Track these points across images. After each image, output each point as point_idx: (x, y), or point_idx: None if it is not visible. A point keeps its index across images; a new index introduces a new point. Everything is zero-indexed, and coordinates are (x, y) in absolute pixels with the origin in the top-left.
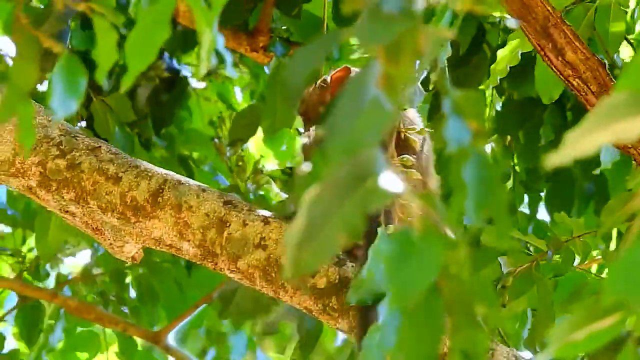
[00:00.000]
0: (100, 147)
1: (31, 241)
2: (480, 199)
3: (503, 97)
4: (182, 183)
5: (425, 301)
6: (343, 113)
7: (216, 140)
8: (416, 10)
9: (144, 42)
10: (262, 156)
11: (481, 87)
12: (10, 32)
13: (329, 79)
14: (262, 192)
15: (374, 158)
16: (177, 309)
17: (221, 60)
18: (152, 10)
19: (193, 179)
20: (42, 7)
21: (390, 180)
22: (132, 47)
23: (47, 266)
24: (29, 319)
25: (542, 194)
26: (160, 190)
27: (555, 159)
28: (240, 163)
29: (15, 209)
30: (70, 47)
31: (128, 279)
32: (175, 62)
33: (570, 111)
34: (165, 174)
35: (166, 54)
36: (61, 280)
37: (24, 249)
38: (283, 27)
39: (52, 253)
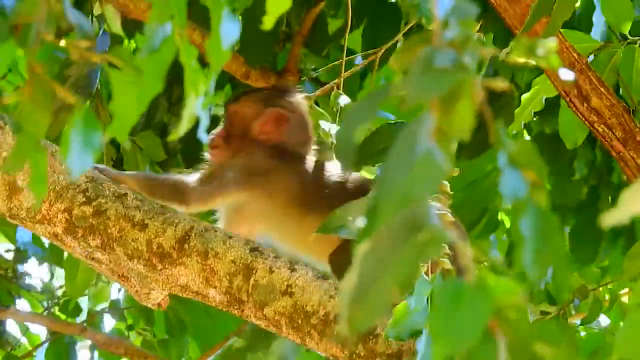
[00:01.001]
0: (126, 194)
1: (59, 274)
2: (539, 252)
3: (533, 133)
4: (208, 230)
5: (481, 346)
6: (396, 165)
7: None
8: (469, 63)
9: (138, 93)
10: None
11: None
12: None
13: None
14: None
15: (426, 210)
16: (209, 339)
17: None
18: (149, 62)
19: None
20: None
21: (442, 232)
22: (122, 98)
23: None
24: (59, 354)
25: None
26: (187, 237)
27: (611, 218)
28: None
29: (41, 246)
30: (100, 88)
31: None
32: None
33: (599, 150)
34: (191, 220)
35: None
36: (91, 314)
37: (54, 283)
38: (312, 67)
39: (82, 292)
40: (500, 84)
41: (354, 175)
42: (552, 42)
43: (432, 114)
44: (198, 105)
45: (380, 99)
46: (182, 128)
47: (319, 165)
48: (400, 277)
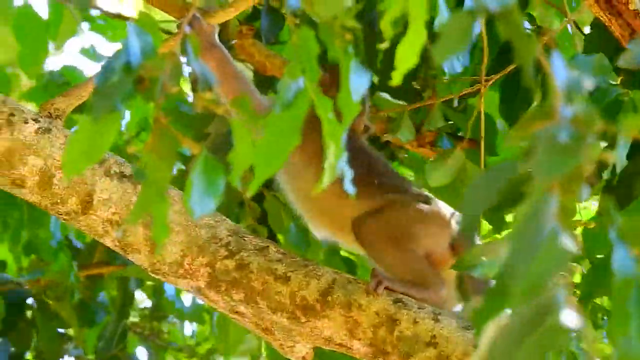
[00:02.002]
0: (268, 247)
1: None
2: None
3: None
4: (351, 282)
5: None
6: (521, 249)
7: None
8: (588, 140)
9: (274, 148)
10: None
11: None
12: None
13: None
14: None
15: (553, 296)
16: None
17: None
18: (284, 117)
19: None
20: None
21: (570, 318)
22: (261, 153)
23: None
24: None
25: None
26: (330, 290)
27: None
28: None
29: (182, 303)
30: None
31: None
32: None
33: None
34: (334, 272)
35: None
36: None
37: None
38: (449, 122)
39: (235, 350)
40: (612, 157)
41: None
42: None
43: (556, 193)
44: (340, 156)
45: (507, 173)
46: (325, 180)
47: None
48: None
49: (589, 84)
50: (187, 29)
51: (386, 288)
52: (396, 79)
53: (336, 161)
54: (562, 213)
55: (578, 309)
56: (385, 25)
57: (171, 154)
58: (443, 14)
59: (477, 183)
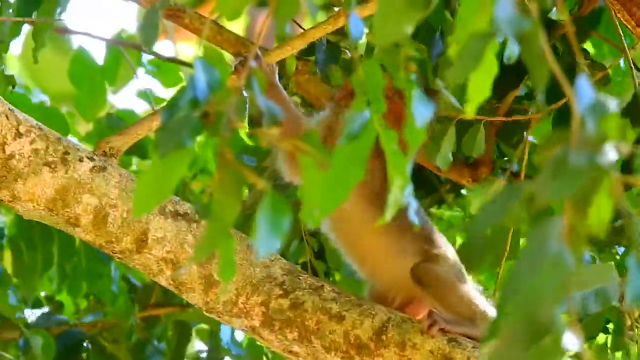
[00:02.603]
0: (323, 286)
1: None
2: None
3: None
4: (405, 321)
5: None
6: (524, 267)
7: None
8: (605, 163)
9: (339, 181)
10: None
11: None
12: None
13: None
14: None
15: (552, 316)
16: None
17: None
18: (350, 149)
19: None
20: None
21: (568, 340)
22: (326, 187)
23: None
24: None
25: None
26: (384, 329)
27: None
28: None
29: (240, 347)
30: None
31: None
32: None
33: None
34: (388, 311)
35: None
36: None
37: None
38: (505, 158)
39: None
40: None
41: None
42: None
43: (564, 214)
44: (405, 189)
45: (512, 197)
46: (388, 212)
47: None
48: None
49: (614, 105)
50: (253, 63)
51: (441, 330)
52: (470, 110)
53: (401, 194)
54: (571, 234)
55: (577, 331)
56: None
57: (237, 190)
58: (512, 47)
59: (486, 205)
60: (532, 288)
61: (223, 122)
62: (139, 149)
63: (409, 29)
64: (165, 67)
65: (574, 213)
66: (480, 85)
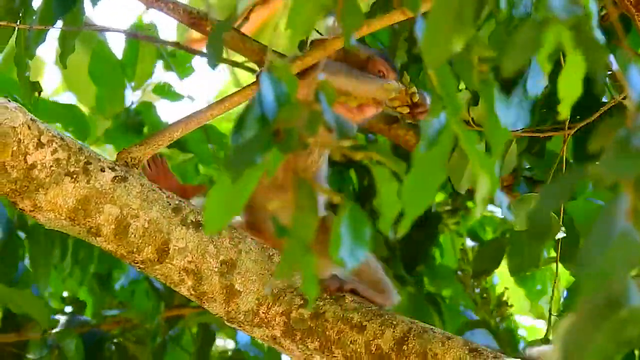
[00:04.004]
0: (344, 296)
1: None
2: None
3: None
4: (427, 331)
5: None
6: (594, 245)
7: (459, 272)
8: None
9: (421, 187)
10: (506, 288)
11: None
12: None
13: None
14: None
15: (625, 288)
16: None
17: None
18: (429, 155)
19: (441, 317)
20: None
21: None
22: (408, 193)
23: None
24: None
25: None
26: (405, 339)
27: None
28: (485, 295)
29: (261, 349)
30: None
31: None
32: None
33: None
34: (410, 322)
35: None
36: None
37: None
38: (527, 166)
39: None
40: None
41: None
42: None
43: (628, 195)
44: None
45: (572, 181)
46: (477, 213)
47: None
48: (602, 354)
49: None
50: (321, 76)
51: (351, 290)
52: (564, 111)
53: (491, 193)
54: (636, 214)
55: None
56: (542, 61)
57: (313, 206)
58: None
59: (549, 186)
60: (604, 261)
61: (294, 139)
62: (177, 143)
63: (459, 47)
64: (183, 58)
65: (636, 193)
66: (571, 84)
